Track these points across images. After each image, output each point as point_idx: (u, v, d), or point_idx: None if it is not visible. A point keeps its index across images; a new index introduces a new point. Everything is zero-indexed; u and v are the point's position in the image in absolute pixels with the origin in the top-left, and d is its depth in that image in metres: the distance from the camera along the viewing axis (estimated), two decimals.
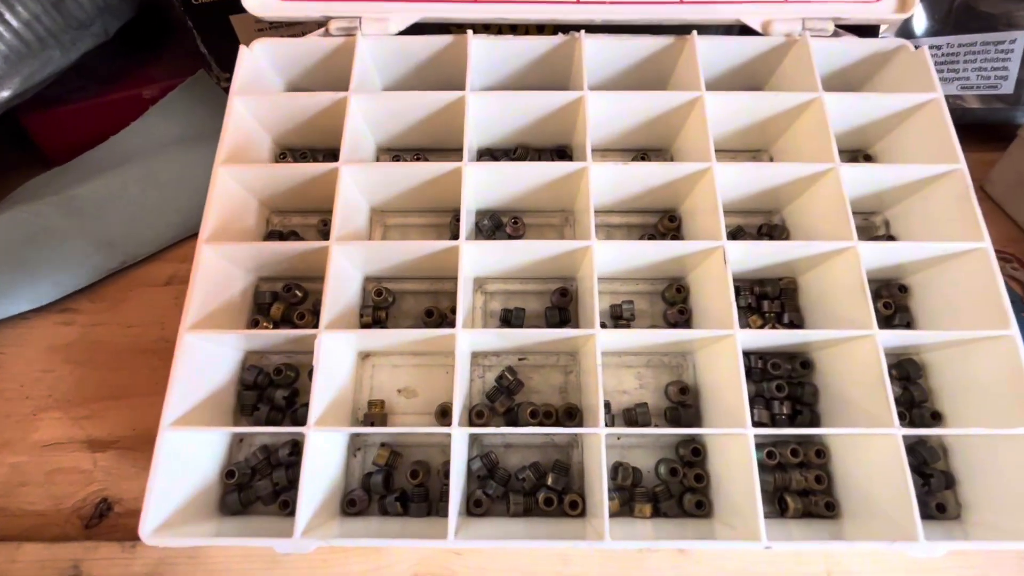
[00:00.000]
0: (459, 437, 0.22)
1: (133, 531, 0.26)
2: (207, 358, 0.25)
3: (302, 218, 0.31)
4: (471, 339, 0.25)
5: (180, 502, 0.23)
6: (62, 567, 0.24)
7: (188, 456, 0.24)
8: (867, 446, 0.23)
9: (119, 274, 0.35)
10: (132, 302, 0.34)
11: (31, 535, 0.25)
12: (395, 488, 0.25)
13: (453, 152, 0.32)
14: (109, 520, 0.26)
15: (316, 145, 0.32)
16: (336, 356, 0.25)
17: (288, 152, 0.33)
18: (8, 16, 0.33)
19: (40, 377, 0.31)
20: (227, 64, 0.39)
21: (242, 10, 0.38)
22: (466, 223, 0.25)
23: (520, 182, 0.28)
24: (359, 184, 0.28)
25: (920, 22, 0.39)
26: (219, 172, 0.26)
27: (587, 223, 0.25)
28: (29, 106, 0.37)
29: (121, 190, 0.36)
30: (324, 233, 0.31)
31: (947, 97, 0.39)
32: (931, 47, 0.39)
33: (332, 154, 0.33)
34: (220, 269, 0.26)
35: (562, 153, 0.32)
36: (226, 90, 0.40)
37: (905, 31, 0.39)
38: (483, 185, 0.27)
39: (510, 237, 0.30)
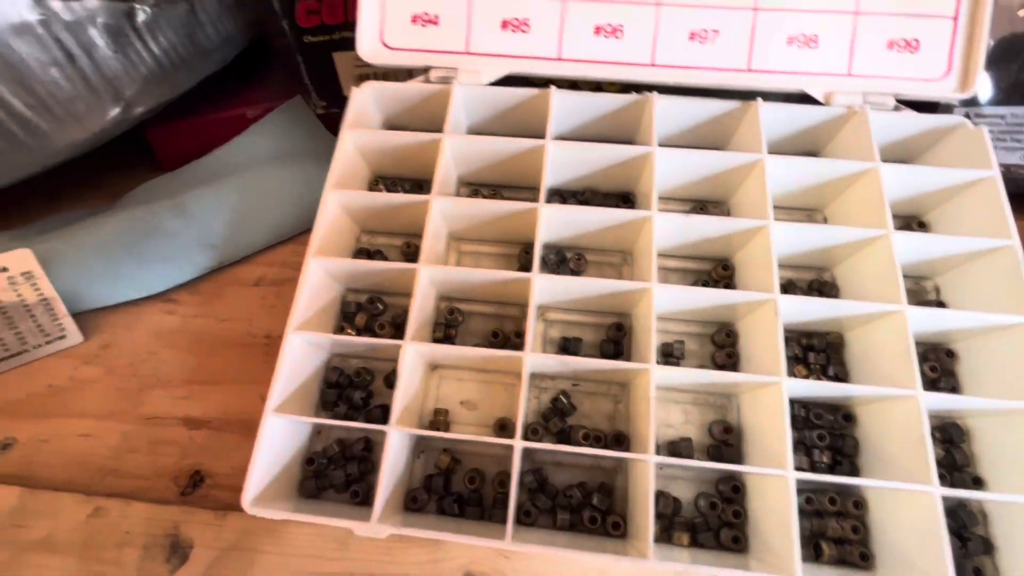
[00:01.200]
0: (520, 450, 0.25)
1: (223, 502, 0.29)
2: (302, 356, 0.29)
3: (387, 239, 0.35)
4: (534, 362, 0.27)
5: (270, 480, 0.26)
6: (165, 526, 0.27)
7: (279, 440, 0.27)
8: (906, 502, 0.24)
9: (215, 273, 0.40)
10: (225, 299, 0.39)
11: (138, 496, 0.29)
12: (453, 491, 0.28)
13: (525, 190, 0.35)
14: (201, 491, 0.30)
15: (404, 174, 0.36)
16: (412, 366, 0.28)
17: (380, 179, 0.37)
18: (152, 45, 0.39)
19: (146, 358, 0.36)
20: (325, 94, 0.45)
21: (344, 48, 0.43)
22: (538, 257, 0.28)
23: (588, 224, 0.30)
24: (444, 215, 0.31)
25: (986, 91, 0.40)
26: (328, 196, 0.30)
27: (648, 266, 0.28)
28: (152, 120, 0.42)
29: (223, 198, 0.41)
30: (407, 254, 0.34)
31: (1011, 166, 0.40)
32: (996, 116, 0.39)
33: (416, 183, 0.37)
34: (320, 280, 0.30)
35: (625, 198, 0.34)
36: (320, 116, 0.45)
37: (970, 99, 0.40)
38: (554, 223, 0.30)
39: (572, 272, 0.32)
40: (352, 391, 0.31)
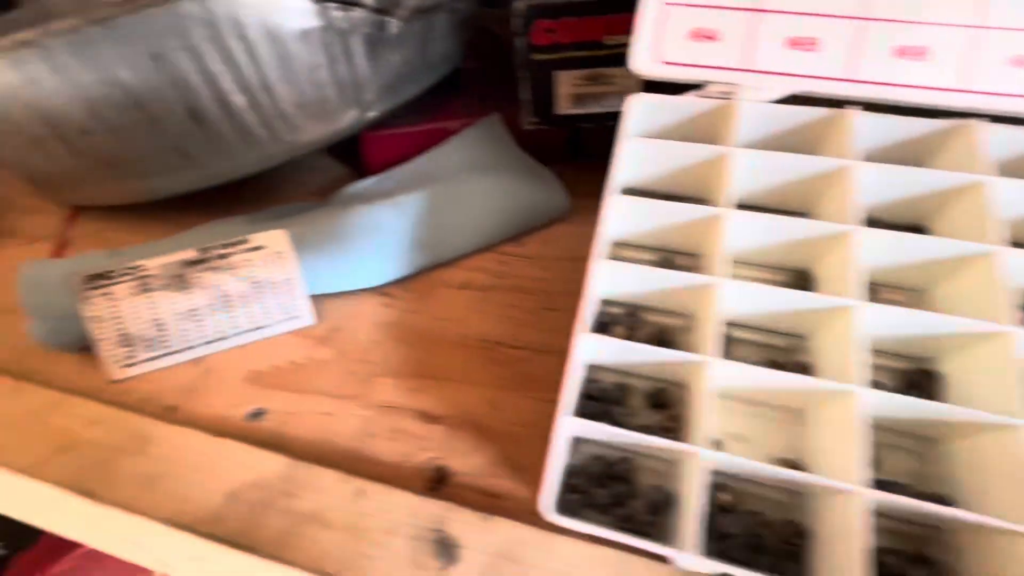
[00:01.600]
0: (869, 500, 0.21)
1: (472, 502, 0.28)
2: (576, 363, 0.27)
3: (634, 252, 0.34)
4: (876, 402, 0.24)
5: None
6: (428, 519, 0.26)
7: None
8: None
9: (422, 273, 0.40)
10: (435, 298, 0.39)
11: (388, 482, 0.29)
12: (734, 533, 0.25)
13: (794, 213, 0.33)
14: (447, 488, 0.29)
15: (663, 188, 0.35)
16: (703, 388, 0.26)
17: (630, 191, 0.36)
18: (394, 55, 0.41)
19: (372, 346, 0.36)
20: (540, 110, 0.45)
21: (567, 68, 0.43)
22: (861, 286, 0.25)
23: (897, 256, 0.28)
24: (726, 232, 0.29)
25: None
26: (611, 202, 0.29)
27: (996, 306, 0.24)
28: (367, 127, 0.44)
29: (434, 202, 0.42)
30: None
31: None
32: None
33: (666, 197, 0.35)
34: (598, 287, 0.29)
35: (916, 230, 0.31)
36: (526, 132, 0.46)
37: None
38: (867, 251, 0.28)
39: None
40: (609, 406, 0.29)
